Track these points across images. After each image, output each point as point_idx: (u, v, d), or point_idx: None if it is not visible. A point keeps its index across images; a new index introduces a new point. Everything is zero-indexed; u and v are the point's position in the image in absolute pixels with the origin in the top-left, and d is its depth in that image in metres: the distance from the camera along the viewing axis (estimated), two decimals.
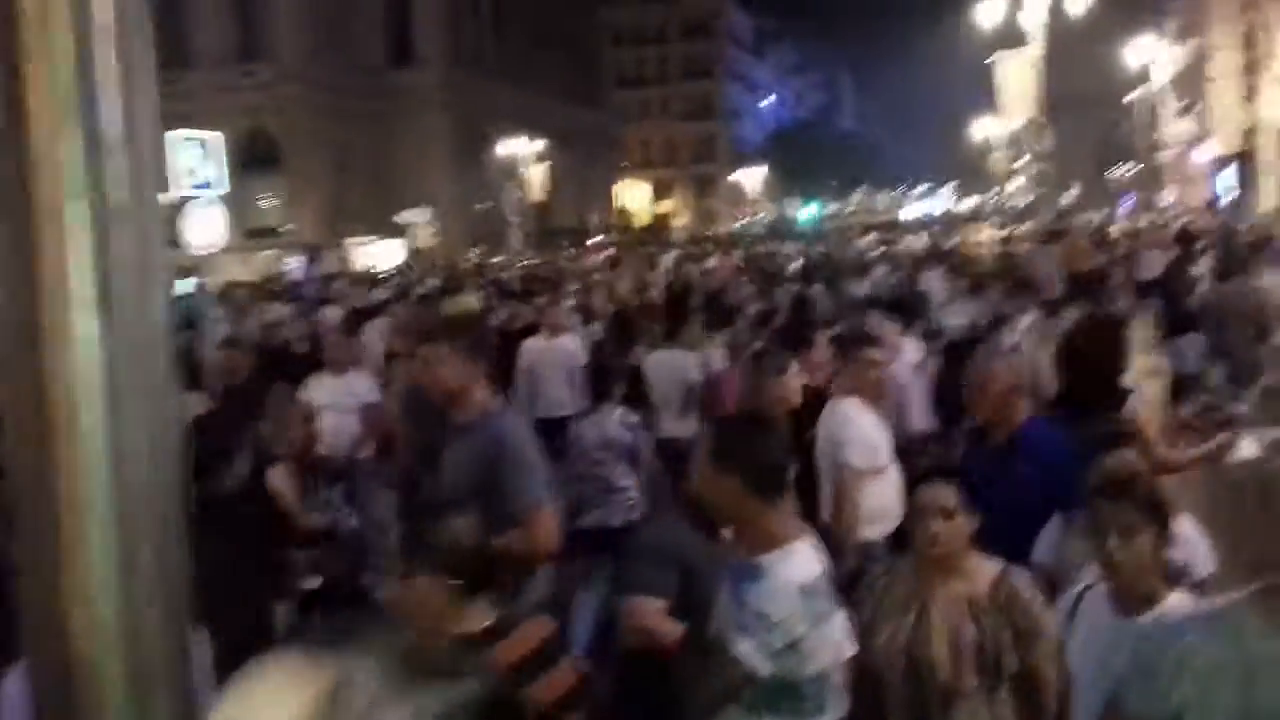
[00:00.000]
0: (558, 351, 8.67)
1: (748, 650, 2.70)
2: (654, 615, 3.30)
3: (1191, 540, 3.53)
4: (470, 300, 14.21)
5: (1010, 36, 23.38)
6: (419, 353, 4.30)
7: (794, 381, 5.12)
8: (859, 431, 4.93)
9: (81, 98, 1.25)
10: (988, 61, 26.25)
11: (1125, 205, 31.18)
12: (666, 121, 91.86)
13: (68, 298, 1.23)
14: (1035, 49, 20.81)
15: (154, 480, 1.29)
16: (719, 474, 2.91)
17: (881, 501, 4.73)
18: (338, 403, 7.75)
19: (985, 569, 3.30)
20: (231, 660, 3.69)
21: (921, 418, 6.93)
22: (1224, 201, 30.85)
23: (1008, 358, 4.63)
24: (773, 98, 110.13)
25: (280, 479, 4.88)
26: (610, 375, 6.53)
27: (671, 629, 3.28)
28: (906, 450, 5.48)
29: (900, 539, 5.99)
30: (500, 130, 52.87)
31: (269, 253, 46.82)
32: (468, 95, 57.99)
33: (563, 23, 71.11)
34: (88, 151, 1.25)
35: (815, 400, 5.27)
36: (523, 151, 45.97)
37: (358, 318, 13.01)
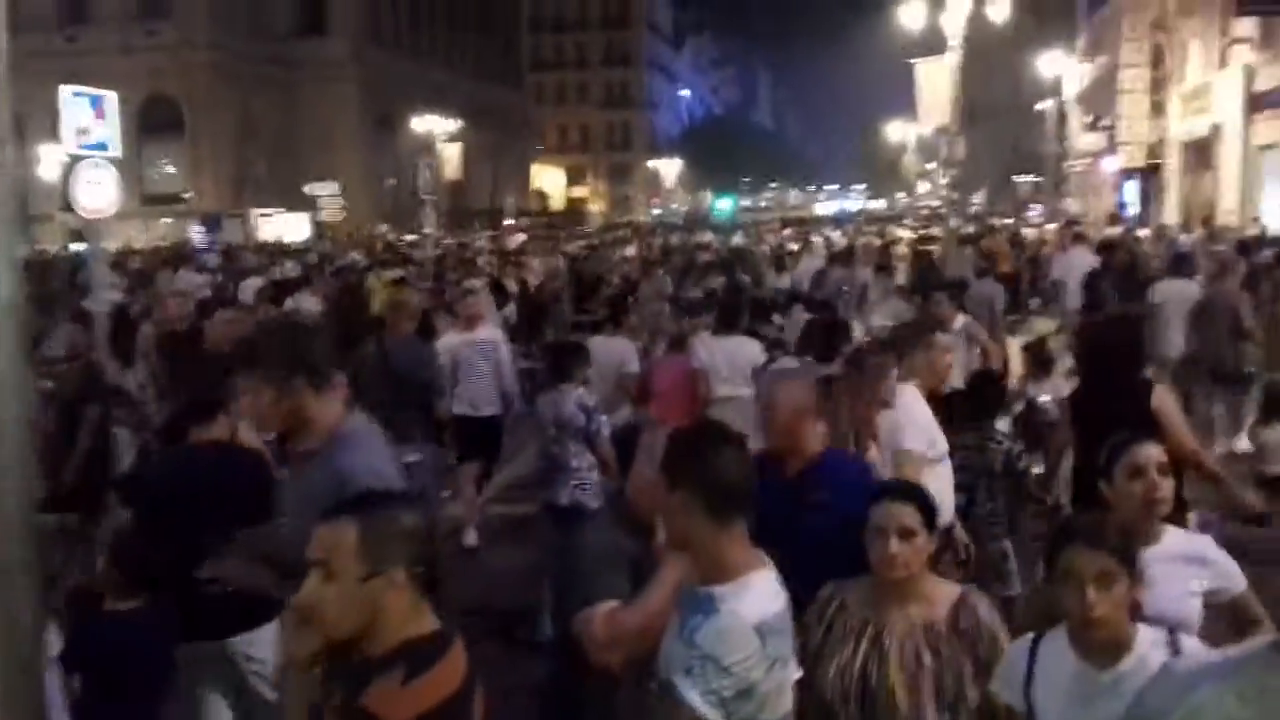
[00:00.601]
0: (479, 346, 8.14)
1: (695, 698, 2.38)
2: (611, 617, 2.91)
3: (1219, 561, 3.28)
4: (398, 277, 13.97)
5: (927, 42, 23.56)
6: (241, 386, 3.56)
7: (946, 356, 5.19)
8: (918, 416, 4.75)
9: None
10: (911, 62, 26.39)
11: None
12: (584, 107, 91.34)
13: None
14: (954, 56, 20.92)
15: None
16: (671, 489, 2.58)
17: (937, 490, 4.24)
18: None
19: (944, 593, 3.08)
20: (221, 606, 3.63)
21: None
22: (1128, 212, 31.73)
23: (798, 379, 4.01)
24: (689, 91, 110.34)
25: (249, 434, 4.71)
26: (572, 355, 6.52)
27: (637, 614, 2.87)
28: None
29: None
30: (412, 107, 51.81)
31: (168, 220, 45.29)
32: (379, 69, 56.74)
33: (480, 2, 70.08)
34: None
35: None
36: (436, 129, 45.05)
37: (277, 290, 12.60)
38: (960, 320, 8.16)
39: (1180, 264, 10.89)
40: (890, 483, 3.23)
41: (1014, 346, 8.89)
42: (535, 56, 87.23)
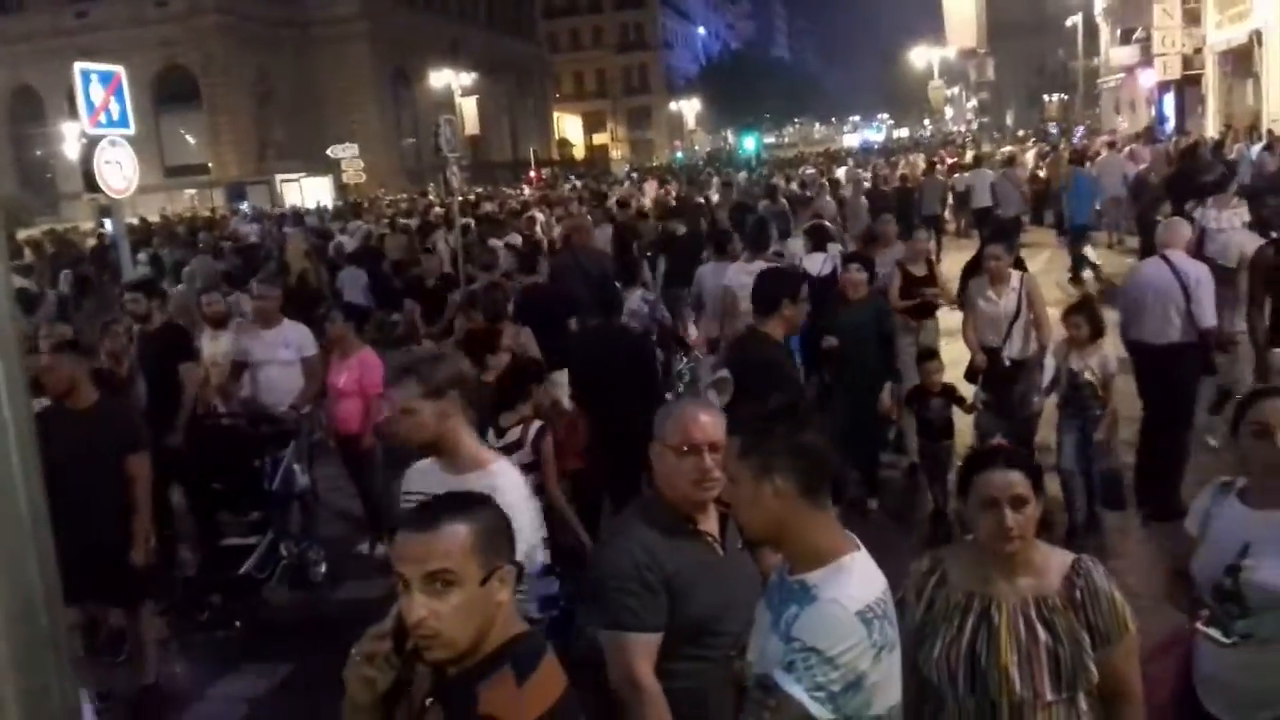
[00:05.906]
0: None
1: (801, 694, 2.16)
2: (645, 664, 2.73)
3: None
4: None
5: None
6: None
7: None
8: None
9: None
10: None
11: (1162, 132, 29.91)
12: (599, 52, 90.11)
13: None
14: None
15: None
16: (757, 477, 2.30)
17: None
18: (272, 357, 7.46)
19: (1055, 560, 2.81)
20: None
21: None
22: (1166, 127, 30.83)
23: None
24: (704, 29, 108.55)
25: None
26: (634, 267, 9.64)
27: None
28: None
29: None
30: (426, 62, 51.17)
31: (192, 192, 45.27)
32: (390, 25, 56.04)
33: None
34: None
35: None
36: (452, 84, 44.51)
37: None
38: (1016, 277, 7.22)
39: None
40: (996, 449, 2.92)
41: None
42: (548, 3, 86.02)
